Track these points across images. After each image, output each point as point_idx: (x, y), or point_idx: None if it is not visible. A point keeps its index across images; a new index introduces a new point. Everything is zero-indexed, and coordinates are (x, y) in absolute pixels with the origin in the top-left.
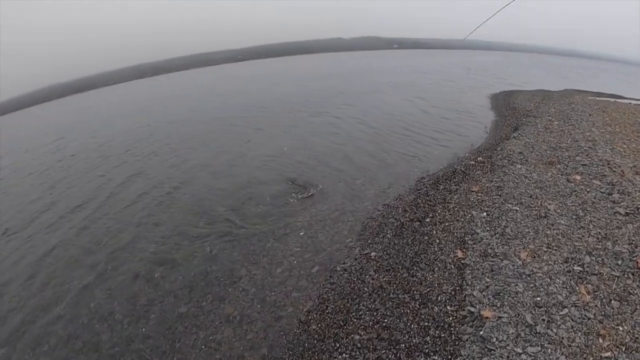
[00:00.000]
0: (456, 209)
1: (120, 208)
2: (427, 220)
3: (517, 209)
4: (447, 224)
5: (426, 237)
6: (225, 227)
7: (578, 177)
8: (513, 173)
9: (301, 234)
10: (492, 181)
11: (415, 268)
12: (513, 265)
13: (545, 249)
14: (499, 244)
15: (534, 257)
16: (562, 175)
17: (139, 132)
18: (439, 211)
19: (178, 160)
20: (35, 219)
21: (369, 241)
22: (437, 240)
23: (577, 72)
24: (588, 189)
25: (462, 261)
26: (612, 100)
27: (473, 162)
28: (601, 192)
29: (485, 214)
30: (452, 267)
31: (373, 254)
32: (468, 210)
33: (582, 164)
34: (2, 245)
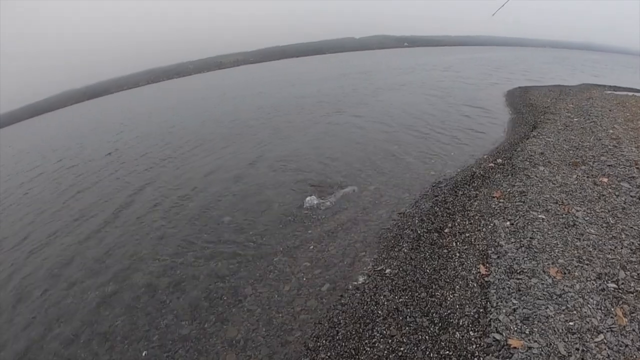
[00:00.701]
0: (477, 217)
1: (130, 218)
2: (446, 230)
3: (543, 217)
4: (467, 234)
5: (445, 251)
6: (232, 239)
7: (605, 180)
8: (536, 176)
9: (311, 247)
10: (514, 186)
11: (434, 286)
12: (542, 284)
13: (576, 264)
14: (525, 259)
15: (565, 273)
16: (587, 177)
17: (153, 137)
18: (458, 220)
19: (191, 165)
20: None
21: (383, 255)
22: (458, 254)
23: (590, 66)
24: (617, 193)
25: (486, 279)
26: (630, 94)
27: (492, 165)
28: (631, 196)
29: (508, 223)
30: (475, 285)
31: (388, 270)
32: (490, 219)
33: (608, 165)
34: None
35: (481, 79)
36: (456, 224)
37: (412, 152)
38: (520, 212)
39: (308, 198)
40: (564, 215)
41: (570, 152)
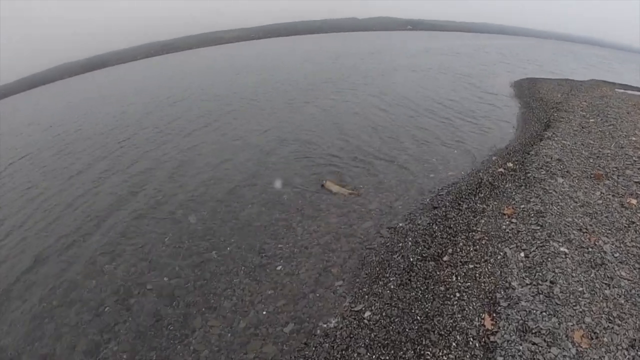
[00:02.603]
0: (484, 241)
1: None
2: (445, 258)
3: (566, 251)
4: (471, 266)
5: (442, 288)
6: (194, 247)
7: (634, 201)
8: (554, 191)
9: (278, 267)
10: (529, 201)
11: (424, 341)
12: (564, 356)
13: (606, 324)
14: (544, 314)
15: (592, 339)
16: (613, 195)
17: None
18: (461, 244)
19: (173, 151)
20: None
21: (364, 290)
22: (458, 294)
23: (598, 61)
24: None
25: (491, 337)
26: None
27: (502, 170)
28: None
29: (522, 254)
30: (477, 345)
31: (367, 313)
32: (500, 246)
33: (635, 182)
34: None
35: (486, 68)
36: (458, 250)
37: (409, 149)
38: (538, 241)
39: (286, 196)
40: (589, 249)
41: (591, 160)
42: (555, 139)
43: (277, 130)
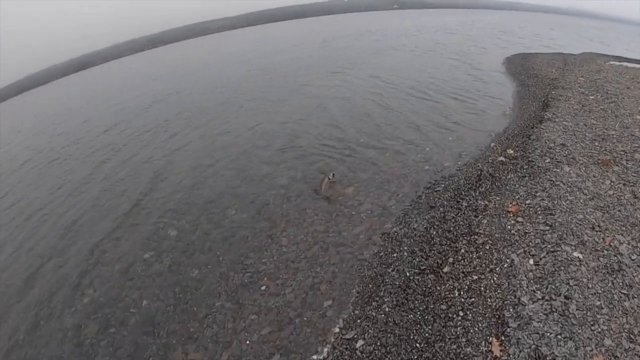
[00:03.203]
0: (487, 246)
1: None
2: (446, 270)
3: (580, 256)
4: (475, 277)
5: (444, 306)
6: (173, 264)
7: None
8: (562, 182)
9: (263, 287)
10: (535, 196)
11: None
12: None
13: (627, 344)
14: (559, 337)
15: None
16: (623, 184)
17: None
18: (462, 251)
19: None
20: None
21: (356, 312)
22: (461, 312)
23: (592, 34)
24: None
25: None
26: (638, 66)
27: (503, 159)
28: None
29: (532, 261)
30: None
31: (360, 342)
32: (506, 252)
33: None
34: None
35: (478, 44)
36: (459, 258)
37: (401, 136)
38: (548, 245)
39: (271, 199)
40: (604, 252)
41: (596, 143)
42: (556, 120)
43: (266, 124)
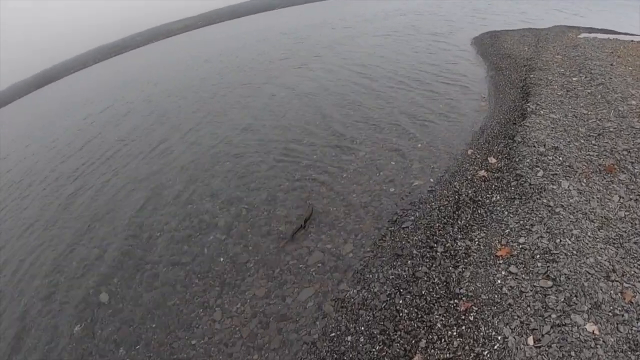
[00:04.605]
0: (472, 316)
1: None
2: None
3: (595, 329)
4: None
5: None
6: (101, 353)
7: None
8: (562, 206)
9: None
10: (530, 230)
11: None
12: None
13: None
14: None
15: None
16: (635, 199)
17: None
18: (439, 326)
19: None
20: None
21: None
22: None
23: (561, 5)
24: None
25: None
26: (612, 37)
27: (484, 173)
28: None
29: (531, 340)
30: None
31: None
32: (496, 324)
33: None
34: None
35: (439, 25)
36: (435, 338)
37: (360, 148)
38: (553, 313)
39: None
40: (625, 316)
41: (593, 141)
42: (541, 112)
43: (226, 146)
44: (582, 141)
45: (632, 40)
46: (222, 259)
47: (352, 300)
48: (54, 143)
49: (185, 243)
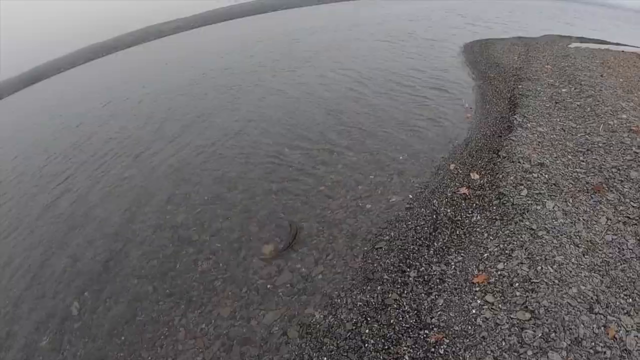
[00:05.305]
0: (442, 349)
1: None
2: None
3: None
4: None
5: None
6: None
7: None
8: (545, 229)
9: None
10: (510, 255)
11: None
12: None
13: None
14: None
15: None
16: (623, 222)
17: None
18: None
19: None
20: None
21: None
22: None
23: (552, 12)
24: None
25: None
26: (603, 47)
27: (465, 191)
28: None
29: None
30: None
31: None
32: None
33: None
34: None
35: (435, 31)
36: None
37: (339, 159)
38: (529, 352)
39: (178, 264)
40: (608, 354)
41: (581, 157)
42: (528, 125)
43: (206, 153)
44: (570, 157)
45: (622, 51)
46: (190, 274)
47: (318, 326)
48: (34, 146)
49: (157, 256)
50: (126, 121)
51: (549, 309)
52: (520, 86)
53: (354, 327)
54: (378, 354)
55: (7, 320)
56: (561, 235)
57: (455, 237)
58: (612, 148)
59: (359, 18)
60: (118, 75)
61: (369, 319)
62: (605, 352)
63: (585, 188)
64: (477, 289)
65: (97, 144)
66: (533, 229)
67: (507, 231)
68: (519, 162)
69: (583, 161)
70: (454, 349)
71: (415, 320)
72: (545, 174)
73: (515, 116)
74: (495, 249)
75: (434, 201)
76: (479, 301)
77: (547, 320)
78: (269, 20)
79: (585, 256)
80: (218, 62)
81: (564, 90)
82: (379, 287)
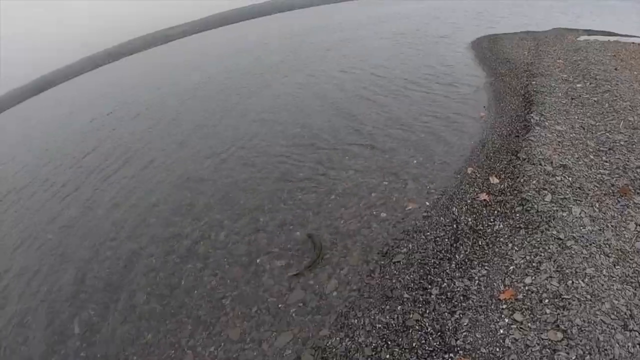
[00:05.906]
0: None
1: None
2: None
3: None
4: None
5: None
6: None
7: None
8: (574, 238)
9: None
10: (538, 268)
11: None
12: None
13: None
14: None
15: None
16: None
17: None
18: None
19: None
20: None
21: None
22: None
23: (561, 8)
24: None
25: None
26: (613, 39)
27: (486, 197)
28: None
29: None
30: None
31: None
32: None
33: None
34: None
35: (442, 28)
36: None
37: (351, 163)
38: None
39: (184, 281)
40: None
41: (603, 157)
42: (546, 124)
43: (212, 162)
44: (592, 157)
45: (633, 42)
46: (196, 292)
47: (334, 350)
48: (42, 155)
49: (163, 271)
50: (134, 127)
51: (582, 328)
52: (533, 82)
53: (373, 353)
54: None
55: (9, 339)
56: (590, 244)
57: (477, 248)
58: (634, 146)
59: (364, 18)
60: (127, 80)
61: (389, 342)
62: None
63: (610, 191)
64: (504, 306)
65: (104, 152)
66: (561, 239)
67: (533, 241)
68: (540, 164)
69: (606, 161)
70: None
71: (439, 342)
72: (568, 177)
73: (532, 114)
74: (522, 261)
75: (454, 209)
76: (506, 320)
77: (580, 340)
78: (274, 23)
79: (617, 267)
80: (232, 63)
81: (579, 85)
82: (399, 307)
